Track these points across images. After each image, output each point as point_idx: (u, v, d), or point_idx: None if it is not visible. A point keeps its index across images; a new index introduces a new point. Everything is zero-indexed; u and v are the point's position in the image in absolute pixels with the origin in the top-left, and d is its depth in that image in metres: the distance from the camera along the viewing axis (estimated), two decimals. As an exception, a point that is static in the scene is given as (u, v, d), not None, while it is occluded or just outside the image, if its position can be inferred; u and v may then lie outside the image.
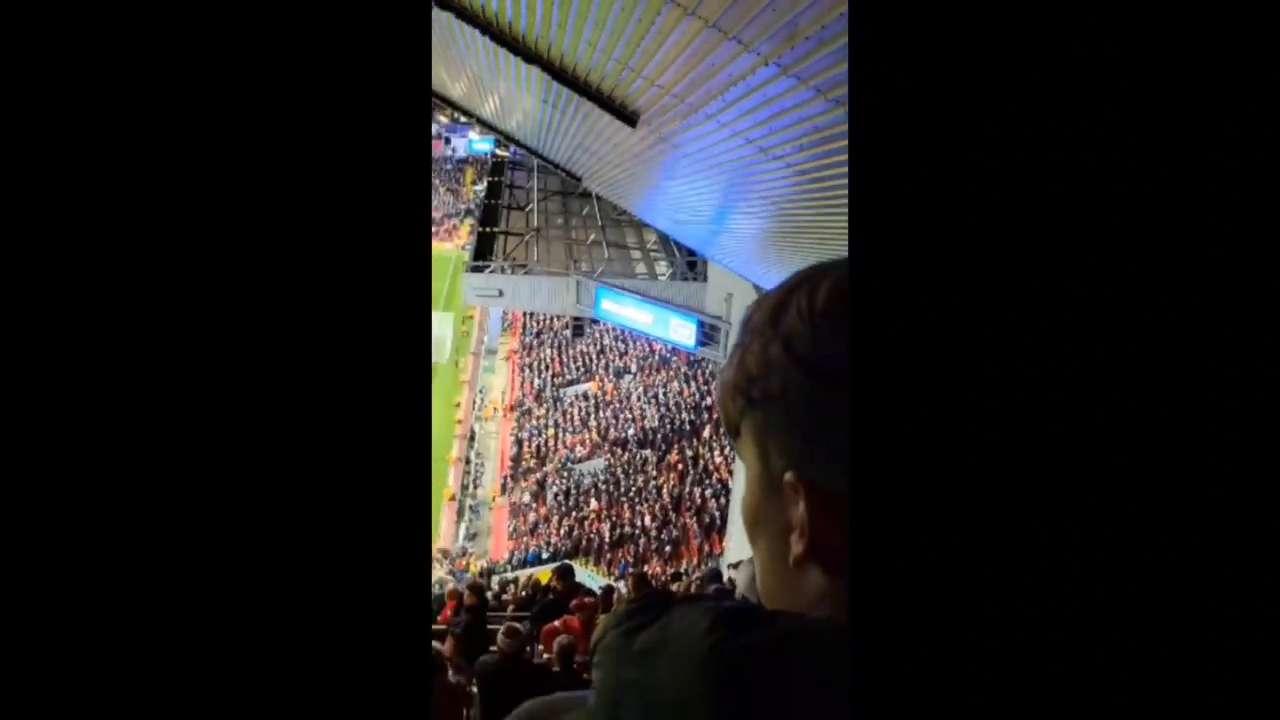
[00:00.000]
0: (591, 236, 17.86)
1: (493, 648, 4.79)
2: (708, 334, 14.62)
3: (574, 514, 17.98)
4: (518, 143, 16.35)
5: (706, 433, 18.53)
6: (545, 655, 5.56)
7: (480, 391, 23.27)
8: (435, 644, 5.08)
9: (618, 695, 0.58)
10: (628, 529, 17.10)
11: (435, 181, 35.44)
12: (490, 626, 6.81)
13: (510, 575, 15.06)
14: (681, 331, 14.97)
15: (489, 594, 11.14)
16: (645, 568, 14.43)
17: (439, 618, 7.43)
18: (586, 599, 7.45)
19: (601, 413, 20.95)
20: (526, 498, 19.08)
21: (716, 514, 16.41)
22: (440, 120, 33.81)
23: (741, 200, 8.63)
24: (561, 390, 22.22)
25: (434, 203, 34.02)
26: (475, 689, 4.72)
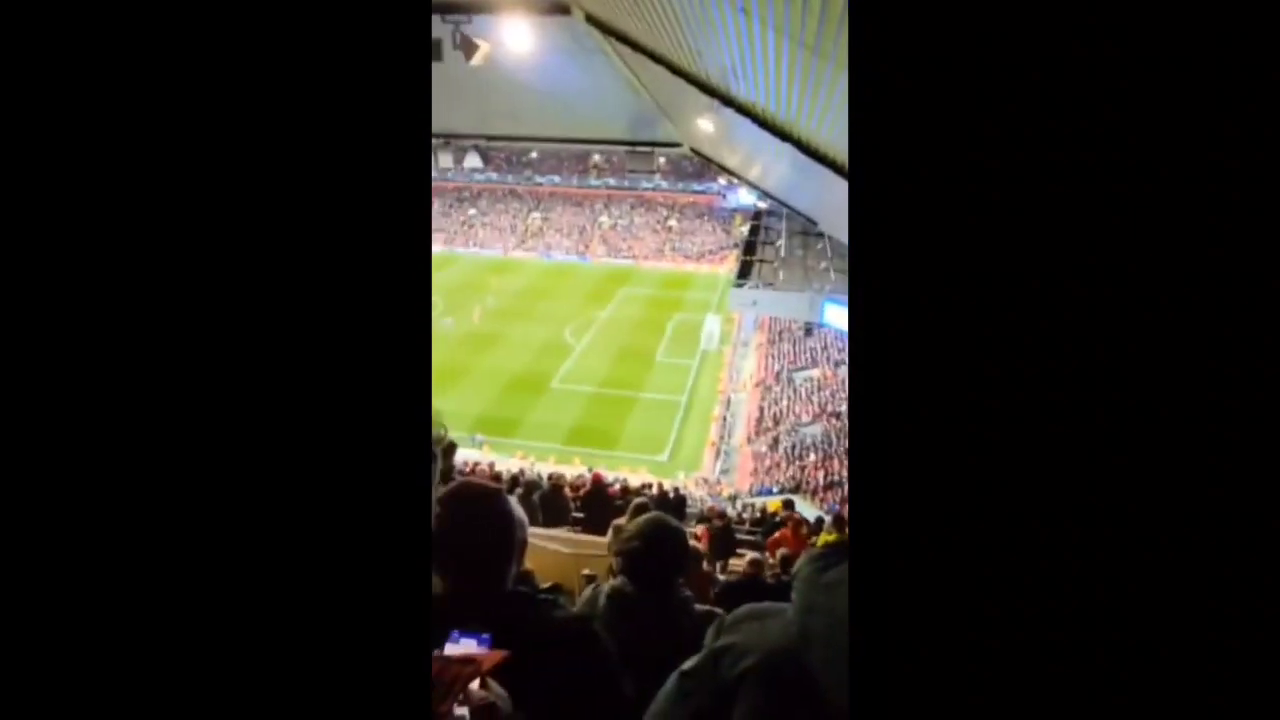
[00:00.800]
0: (823, 264, 17.77)
1: (738, 552, 4.87)
2: (905, 338, 14.20)
3: (797, 463, 17.94)
4: (773, 197, 16.72)
5: (901, 411, 17.90)
6: (770, 559, 5.46)
7: (737, 371, 24.05)
8: (694, 543, 5.21)
9: (809, 611, 0.60)
10: (836, 478, 16.86)
11: (713, 225, 35.50)
12: (738, 536, 7.27)
13: (749, 500, 15.09)
14: (885, 335, 14.51)
15: (733, 513, 11.42)
16: (845, 508, 14.04)
17: (698, 531, 7.53)
18: (801, 521, 7.72)
19: (822, 391, 20.64)
20: (764, 448, 19.20)
21: (905, 472, 15.87)
22: (720, 181, 34.20)
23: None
24: (794, 373, 22.24)
25: (710, 241, 34.22)
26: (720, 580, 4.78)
